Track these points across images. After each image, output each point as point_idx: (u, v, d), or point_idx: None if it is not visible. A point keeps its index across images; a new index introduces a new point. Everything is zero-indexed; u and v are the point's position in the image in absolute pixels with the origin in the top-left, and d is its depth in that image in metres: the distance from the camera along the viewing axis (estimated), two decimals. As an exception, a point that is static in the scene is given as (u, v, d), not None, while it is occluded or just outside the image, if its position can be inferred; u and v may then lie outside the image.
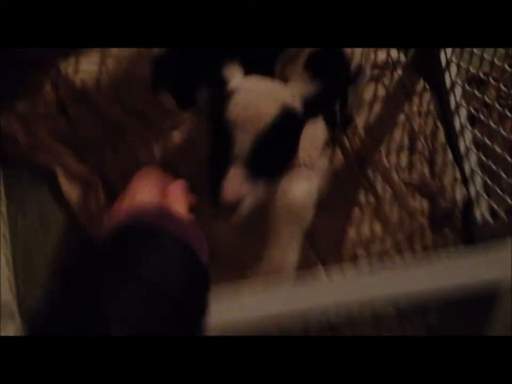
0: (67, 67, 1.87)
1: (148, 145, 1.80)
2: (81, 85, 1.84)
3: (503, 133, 1.43)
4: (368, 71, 1.72)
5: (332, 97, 1.15)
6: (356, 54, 1.78)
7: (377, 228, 1.64)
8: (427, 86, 1.70)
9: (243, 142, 0.94)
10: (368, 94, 1.73)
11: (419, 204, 1.64)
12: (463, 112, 1.65)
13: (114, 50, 1.88)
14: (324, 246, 1.63)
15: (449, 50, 1.68)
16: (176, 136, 1.81)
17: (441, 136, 1.68)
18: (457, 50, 1.65)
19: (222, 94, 1.05)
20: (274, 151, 1.00)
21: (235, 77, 1.07)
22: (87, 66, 1.87)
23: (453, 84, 1.67)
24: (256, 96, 0.99)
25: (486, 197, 1.56)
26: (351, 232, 1.65)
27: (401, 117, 1.71)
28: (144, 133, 1.81)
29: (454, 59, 1.68)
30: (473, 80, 1.65)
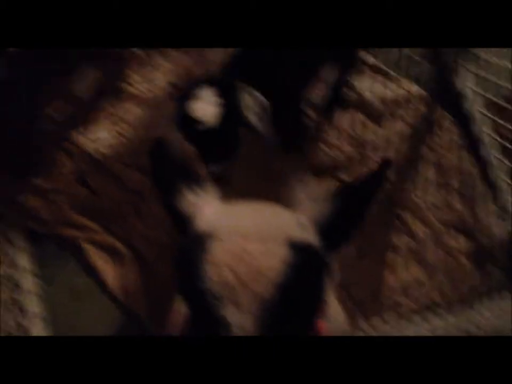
0: (81, 137, 1.85)
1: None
2: (97, 154, 1.83)
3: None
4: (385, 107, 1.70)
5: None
6: (368, 91, 1.75)
7: (416, 271, 1.60)
8: (451, 118, 1.66)
9: (241, 318, 0.67)
10: (390, 131, 1.70)
11: (458, 242, 1.59)
12: (491, 141, 1.60)
13: (125, 113, 1.87)
14: (362, 295, 1.59)
15: (466, 78, 1.64)
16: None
17: (473, 169, 1.63)
18: (475, 78, 1.60)
19: (190, 238, 0.76)
20: (292, 314, 0.70)
21: (207, 206, 0.79)
22: (100, 134, 1.86)
23: (476, 113, 1.62)
24: (246, 244, 0.69)
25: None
26: (389, 278, 1.60)
27: (428, 152, 1.66)
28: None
29: (471, 86, 1.63)
30: (494, 108, 1.60)
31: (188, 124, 1.25)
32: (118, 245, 1.77)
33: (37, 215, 1.83)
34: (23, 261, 1.79)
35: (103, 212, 1.82)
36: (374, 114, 1.76)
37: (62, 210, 1.82)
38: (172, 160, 0.88)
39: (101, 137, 1.86)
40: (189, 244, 0.75)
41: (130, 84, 1.93)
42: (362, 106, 1.79)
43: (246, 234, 0.71)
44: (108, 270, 1.75)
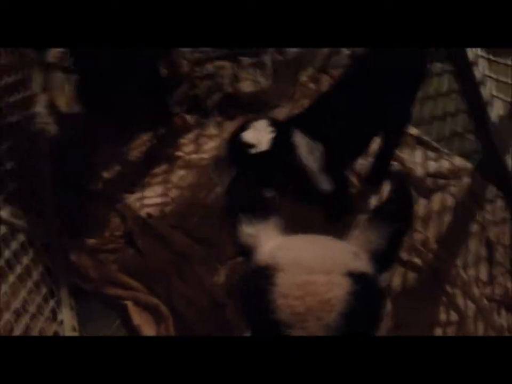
0: (133, 200, 1.93)
1: (214, 272, 1.80)
2: (147, 216, 1.89)
3: None
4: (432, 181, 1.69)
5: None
6: (416, 165, 1.76)
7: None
8: (499, 194, 1.64)
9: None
10: (436, 204, 1.68)
11: (506, 319, 1.52)
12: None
13: (176, 178, 1.95)
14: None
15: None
16: (241, 263, 1.79)
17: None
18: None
19: (249, 271, 0.82)
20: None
21: (266, 240, 0.85)
22: (151, 197, 1.93)
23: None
24: (309, 276, 0.75)
25: None
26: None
27: (475, 227, 1.64)
28: (209, 260, 1.82)
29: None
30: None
31: (241, 149, 1.28)
32: (161, 305, 1.79)
33: (85, 273, 1.88)
34: (66, 316, 1.83)
35: (148, 272, 1.86)
36: (423, 189, 1.76)
37: (109, 270, 1.87)
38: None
39: (151, 200, 1.93)
40: (253, 275, 0.81)
41: (183, 152, 2.02)
42: (412, 180, 1.79)
43: (309, 267, 0.76)
44: (150, 330, 1.76)
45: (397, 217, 0.86)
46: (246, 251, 0.85)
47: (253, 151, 1.26)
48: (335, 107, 1.51)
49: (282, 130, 1.31)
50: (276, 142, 1.27)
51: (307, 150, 1.30)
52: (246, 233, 0.86)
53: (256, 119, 1.33)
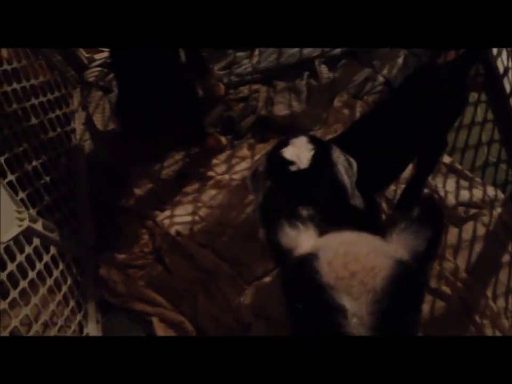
0: (163, 218, 1.96)
1: (240, 292, 1.80)
2: (176, 234, 1.91)
3: None
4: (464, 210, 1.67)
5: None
6: (448, 193, 1.75)
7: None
8: (532, 223, 1.62)
9: (355, 306, 0.76)
10: (467, 233, 1.66)
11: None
12: None
13: (206, 198, 1.97)
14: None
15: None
16: (268, 283, 1.80)
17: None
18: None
19: (293, 263, 0.88)
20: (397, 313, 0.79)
21: (306, 241, 0.90)
22: (181, 216, 1.96)
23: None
24: (352, 247, 0.82)
25: None
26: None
27: (506, 257, 1.61)
28: (236, 280, 1.82)
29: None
30: None
31: (281, 166, 1.28)
32: (186, 323, 1.80)
33: (113, 287, 1.91)
34: (92, 330, 1.85)
35: (175, 290, 1.88)
36: (455, 217, 1.74)
37: (137, 286, 1.89)
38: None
39: (181, 219, 1.95)
40: (295, 263, 0.87)
41: (214, 172, 2.04)
42: (444, 209, 1.78)
43: (351, 242, 0.84)
44: (173, 347, 1.76)
45: (430, 224, 0.88)
46: (286, 252, 0.89)
47: (293, 168, 1.26)
48: (370, 133, 1.51)
49: (321, 147, 1.31)
50: (315, 159, 1.27)
51: (345, 167, 1.31)
52: (287, 235, 0.90)
53: (295, 135, 1.34)
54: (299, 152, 1.27)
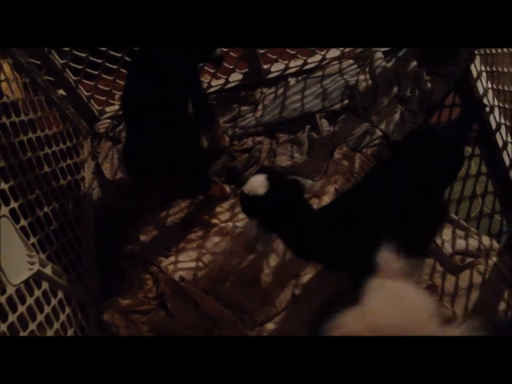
0: (168, 264, 2.00)
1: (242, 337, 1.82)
2: (180, 279, 1.95)
3: None
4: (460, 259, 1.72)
5: None
6: (445, 242, 1.80)
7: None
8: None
9: None
10: (463, 281, 1.71)
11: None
12: None
13: (210, 245, 2.02)
14: None
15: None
16: (271, 329, 1.82)
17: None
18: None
19: None
20: None
21: None
22: (185, 264, 2.00)
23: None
24: None
25: None
26: None
27: (502, 305, 1.64)
28: (238, 325, 1.85)
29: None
30: None
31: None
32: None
33: (116, 332, 1.93)
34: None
35: (177, 335, 1.89)
36: (451, 266, 1.78)
37: (140, 331, 1.92)
38: None
39: (185, 265, 2.00)
40: None
41: (218, 219, 2.10)
42: (440, 257, 1.82)
43: None
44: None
45: None
46: None
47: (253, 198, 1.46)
48: (368, 189, 1.59)
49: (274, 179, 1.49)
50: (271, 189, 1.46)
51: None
52: None
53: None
54: (254, 184, 1.48)
